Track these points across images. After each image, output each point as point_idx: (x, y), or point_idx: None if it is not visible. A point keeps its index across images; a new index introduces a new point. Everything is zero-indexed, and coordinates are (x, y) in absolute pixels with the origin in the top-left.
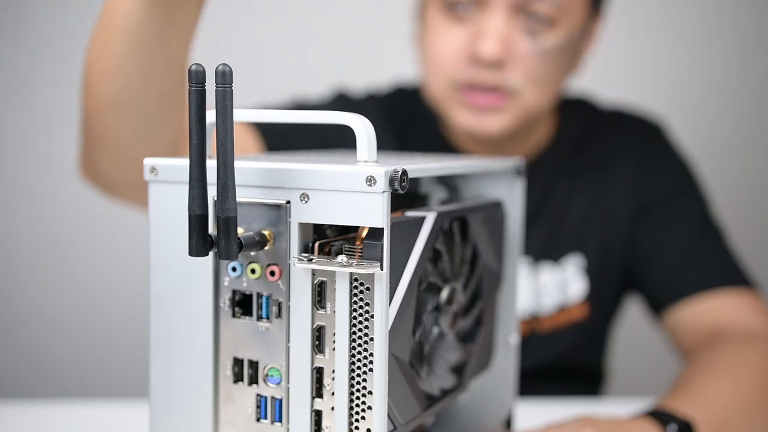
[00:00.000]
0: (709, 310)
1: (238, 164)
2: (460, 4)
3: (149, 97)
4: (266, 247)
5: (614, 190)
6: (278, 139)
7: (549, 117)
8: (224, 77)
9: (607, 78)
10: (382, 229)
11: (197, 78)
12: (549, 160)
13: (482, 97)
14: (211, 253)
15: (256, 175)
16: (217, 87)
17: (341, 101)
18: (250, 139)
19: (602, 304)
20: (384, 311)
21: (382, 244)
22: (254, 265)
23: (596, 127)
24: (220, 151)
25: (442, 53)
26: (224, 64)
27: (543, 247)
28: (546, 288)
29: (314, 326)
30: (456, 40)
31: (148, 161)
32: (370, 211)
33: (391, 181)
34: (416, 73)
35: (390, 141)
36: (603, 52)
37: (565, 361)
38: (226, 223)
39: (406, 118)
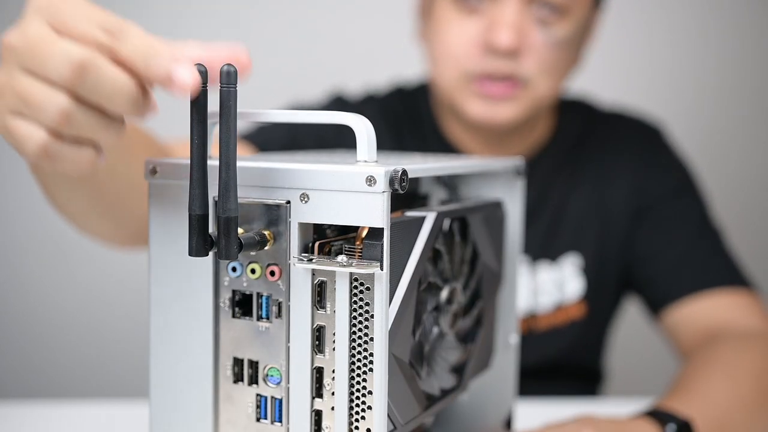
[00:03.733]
0: (707, 309)
1: (239, 164)
2: None
3: (104, 209)
4: (266, 247)
5: (612, 190)
6: (278, 140)
7: (547, 116)
8: (229, 78)
9: (606, 79)
10: (382, 229)
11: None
12: (547, 159)
13: (496, 87)
14: (211, 253)
15: (256, 175)
16: (221, 87)
17: (338, 104)
18: (245, 153)
19: (600, 303)
20: (384, 311)
21: (382, 244)
22: (254, 265)
23: (595, 127)
24: (222, 151)
25: (455, 45)
26: (229, 65)
27: (541, 246)
28: (544, 286)
29: (314, 326)
30: (469, 32)
31: (149, 161)
32: (370, 211)
33: (391, 181)
34: (415, 72)
35: (388, 141)
36: (601, 53)
37: (563, 359)
38: (227, 223)
39: (404, 118)
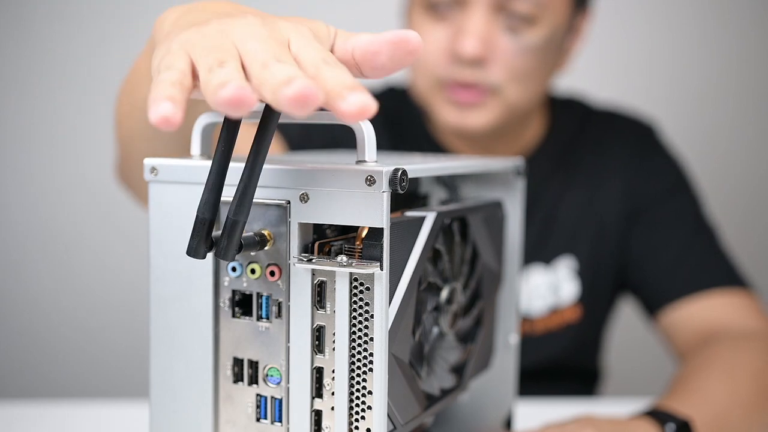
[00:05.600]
0: (704, 310)
1: (238, 165)
2: (442, 4)
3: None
4: (266, 247)
5: (606, 191)
6: (293, 137)
7: (540, 117)
8: None
9: (600, 78)
10: (382, 229)
11: None
12: (540, 161)
13: (463, 93)
14: (210, 253)
15: None
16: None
17: None
18: (278, 139)
19: (595, 305)
20: (384, 311)
21: (382, 244)
22: (254, 265)
23: (588, 127)
24: (250, 158)
25: (426, 52)
26: None
27: (534, 249)
28: (537, 290)
29: (314, 326)
30: (438, 39)
31: (148, 161)
32: (370, 211)
33: (391, 181)
34: (405, 75)
35: (384, 140)
36: (595, 52)
37: (560, 361)
38: (234, 226)
39: (398, 117)
